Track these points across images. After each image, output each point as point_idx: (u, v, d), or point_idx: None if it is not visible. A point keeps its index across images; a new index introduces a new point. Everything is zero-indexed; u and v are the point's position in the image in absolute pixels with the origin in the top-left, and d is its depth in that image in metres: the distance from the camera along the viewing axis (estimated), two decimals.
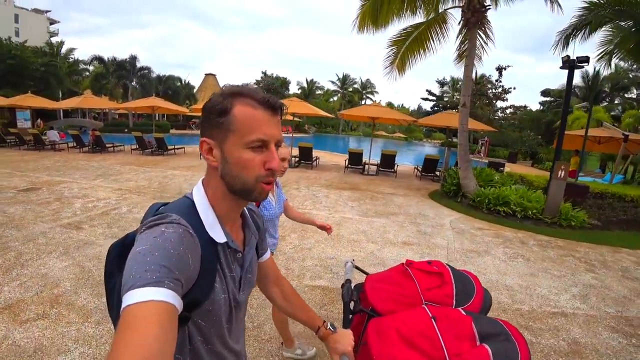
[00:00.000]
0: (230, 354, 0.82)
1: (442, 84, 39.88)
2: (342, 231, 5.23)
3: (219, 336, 0.77)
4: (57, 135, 15.56)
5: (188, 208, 0.72)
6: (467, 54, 7.94)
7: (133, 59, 29.83)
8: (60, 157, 12.15)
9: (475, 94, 29.30)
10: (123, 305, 0.51)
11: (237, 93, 0.69)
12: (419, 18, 9.07)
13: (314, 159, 12.69)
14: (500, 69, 28.72)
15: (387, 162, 11.97)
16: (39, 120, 21.28)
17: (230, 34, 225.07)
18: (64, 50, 31.01)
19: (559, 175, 6.53)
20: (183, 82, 38.30)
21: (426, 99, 39.97)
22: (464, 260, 4.47)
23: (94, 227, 4.73)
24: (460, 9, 8.11)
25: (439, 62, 18.45)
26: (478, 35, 9.40)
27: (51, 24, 60.58)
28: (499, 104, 30.80)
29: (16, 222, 4.79)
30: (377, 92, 58.17)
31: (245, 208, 0.87)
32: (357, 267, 1.49)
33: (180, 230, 0.63)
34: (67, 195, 6.47)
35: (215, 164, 0.72)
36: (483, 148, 27.09)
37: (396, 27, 9.32)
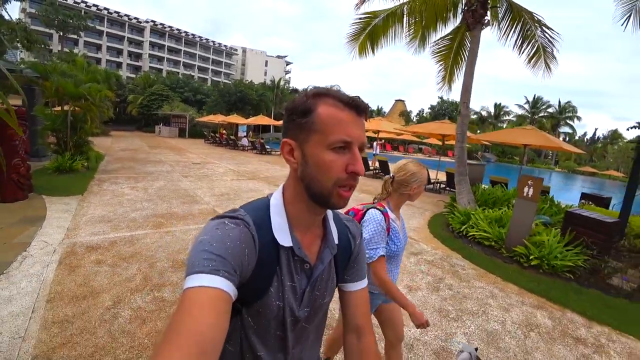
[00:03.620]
0: None
1: None
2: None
3: (266, 345, 0.73)
4: (247, 142, 24.06)
5: (262, 207, 0.74)
6: (469, 58, 7.84)
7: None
8: (236, 153, 19.63)
9: None
10: (183, 287, 0.56)
11: (322, 94, 0.69)
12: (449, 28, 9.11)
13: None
14: None
15: (452, 181, 12.39)
16: (250, 132, 32.22)
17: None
18: (288, 82, 44.95)
19: (524, 194, 5.36)
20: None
21: None
22: None
23: (190, 177, 9.72)
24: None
25: None
26: (543, 32, 8.02)
27: (287, 64, 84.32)
28: None
29: (171, 172, 10.45)
30: (578, 117, 46.85)
31: (340, 220, 0.86)
32: None
33: (240, 227, 0.66)
34: (205, 167, 12.16)
35: (295, 166, 0.71)
36: None
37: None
